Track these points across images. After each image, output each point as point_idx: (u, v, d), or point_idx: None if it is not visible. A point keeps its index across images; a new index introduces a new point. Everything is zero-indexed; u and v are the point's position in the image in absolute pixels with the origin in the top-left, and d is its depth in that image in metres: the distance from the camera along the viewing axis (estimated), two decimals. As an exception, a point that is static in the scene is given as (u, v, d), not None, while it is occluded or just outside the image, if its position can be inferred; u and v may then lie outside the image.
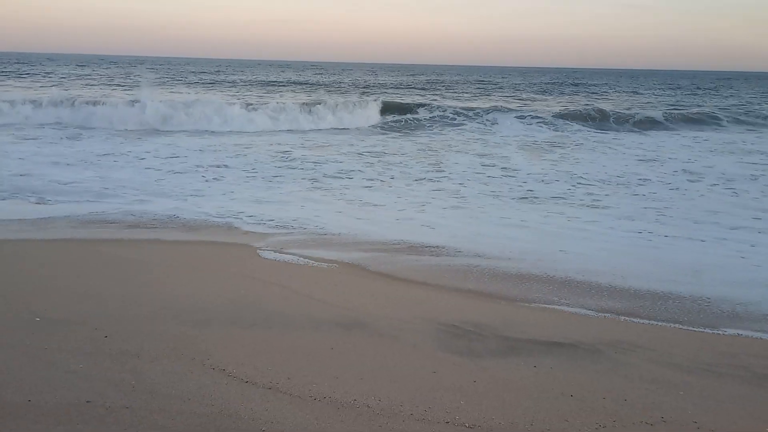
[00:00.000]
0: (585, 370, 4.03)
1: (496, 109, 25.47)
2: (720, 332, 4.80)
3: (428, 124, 22.31)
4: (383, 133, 19.96)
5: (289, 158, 13.74)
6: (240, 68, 79.36)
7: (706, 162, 14.65)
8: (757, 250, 7.11)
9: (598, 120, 24.04)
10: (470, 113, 23.99)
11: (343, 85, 45.49)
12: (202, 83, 41.77)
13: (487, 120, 22.99)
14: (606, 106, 28.74)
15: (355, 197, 9.77)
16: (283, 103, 22.75)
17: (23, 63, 65.79)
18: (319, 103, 22.67)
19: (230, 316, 4.69)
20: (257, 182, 10.89)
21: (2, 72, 45.27)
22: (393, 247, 6.83)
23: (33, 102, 20.37)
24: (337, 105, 22.57)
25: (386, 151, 15.49)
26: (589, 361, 4.17)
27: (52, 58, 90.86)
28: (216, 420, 3.27)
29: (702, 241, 7.53)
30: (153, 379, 3.66)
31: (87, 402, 3.38)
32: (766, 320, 5.05)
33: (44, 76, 42.21)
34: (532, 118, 23.78)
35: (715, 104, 33.79)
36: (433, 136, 19.81)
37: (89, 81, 39.48)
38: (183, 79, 46.49)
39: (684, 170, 13.30)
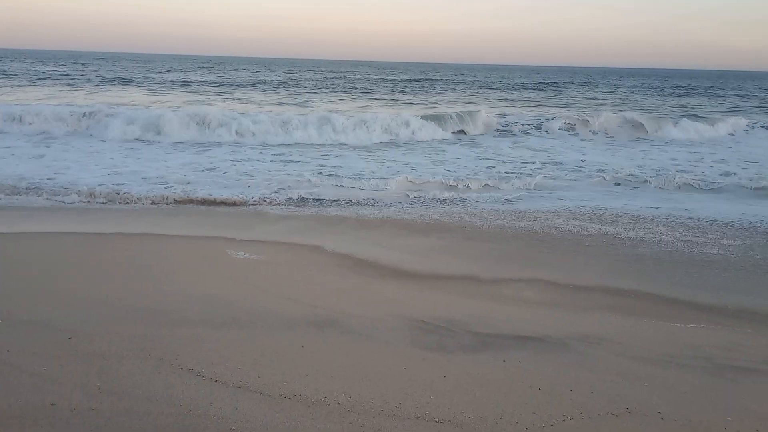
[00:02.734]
0: (553, 364, 4.09)
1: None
2: (683, 325, 4.91)
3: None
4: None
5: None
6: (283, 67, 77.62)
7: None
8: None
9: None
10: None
11: (403, 88, 43.83)
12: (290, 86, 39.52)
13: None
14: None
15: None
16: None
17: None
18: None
19: (200, 315, 4.64)
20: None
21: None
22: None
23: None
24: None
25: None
26: (557, 355, 4.23)
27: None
28: (184, 420, 3.23)
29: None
30: (119, 380, 3.61)
31: (52, 405, 3.31)
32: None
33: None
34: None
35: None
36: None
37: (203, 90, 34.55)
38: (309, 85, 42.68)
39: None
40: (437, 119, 19.01)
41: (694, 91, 48.94)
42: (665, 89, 51.50)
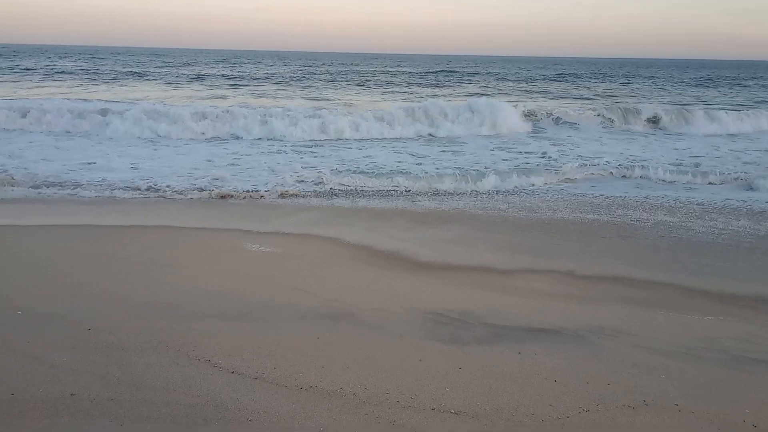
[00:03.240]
0: (568, 356, 4.07)
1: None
2: (700, 317, 4.87)
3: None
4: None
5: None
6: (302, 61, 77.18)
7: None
8: None
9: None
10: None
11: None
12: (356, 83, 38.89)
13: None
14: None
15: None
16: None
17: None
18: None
19: (216, 307, 4.68)
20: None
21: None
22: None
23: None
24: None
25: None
26: (573, 347, 4.21)
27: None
28: (202, 410, 3.27)
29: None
30: (138, 371, 3.65)
31: (71, 395, 3.36)
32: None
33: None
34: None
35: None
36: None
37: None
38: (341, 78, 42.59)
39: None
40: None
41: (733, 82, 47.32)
42: (686, 79, 50.48)
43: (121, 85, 31.40)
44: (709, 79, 53.92)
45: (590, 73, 59.00)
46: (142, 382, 3.53)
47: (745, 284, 5.65)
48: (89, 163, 11.19)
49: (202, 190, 9.27)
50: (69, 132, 14.78)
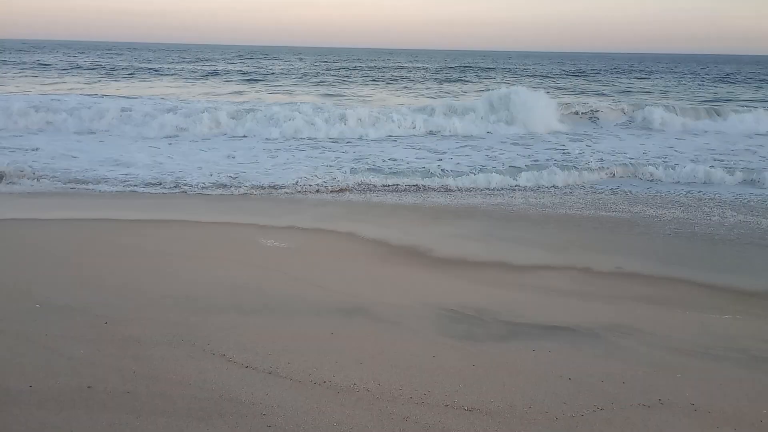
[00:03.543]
0: (583, 354, 4.05)
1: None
2: (718, 316, 4.81)
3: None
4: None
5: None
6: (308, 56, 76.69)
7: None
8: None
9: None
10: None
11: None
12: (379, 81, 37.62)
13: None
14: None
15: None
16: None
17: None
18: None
19: (231, 302, 4.71)
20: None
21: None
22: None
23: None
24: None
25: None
26: (588, 345, 4.18)
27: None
28: (216, 404, 3.29)
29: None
30: (154, 364, 3.68)
31: (88, 387, 3.40)
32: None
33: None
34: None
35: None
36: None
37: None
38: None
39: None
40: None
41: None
42: (710, 76, 49.38)
43: (141, 80, 31.62)
44: (733, 74, 52.90)
45: (611, 69, 57.96)
46: (158, 375, 3.56)
47: (764, 281, 5.57)
48: (110, 159, 11.28)
49: (222, 185, 9.32)
50: (90, 130, 14.78)
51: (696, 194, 9.52)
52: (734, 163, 12.09)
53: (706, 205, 8.72)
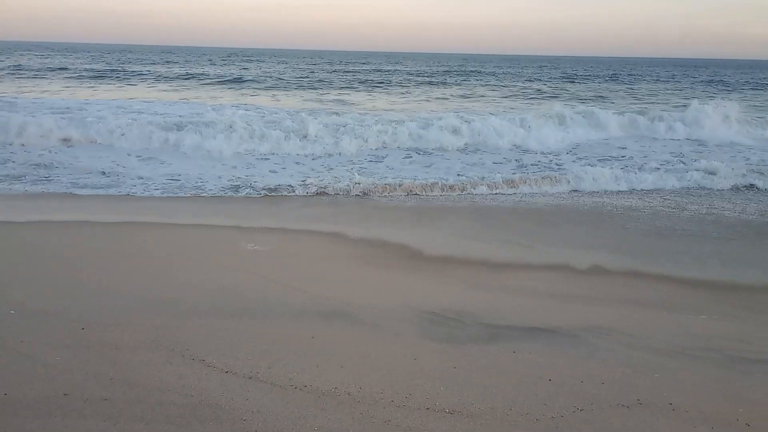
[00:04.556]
0: (563, 355, 4.08)
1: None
2: (694, 316, 4.88)
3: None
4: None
5: None
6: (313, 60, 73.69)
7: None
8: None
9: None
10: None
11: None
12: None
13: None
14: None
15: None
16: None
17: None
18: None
19: (210, 306, 4.66)
20: None
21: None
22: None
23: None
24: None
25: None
26: (568, 346, 4.22)
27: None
28: (196, 410, 3.26)
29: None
30: (132, 370, 3.64)
31: (65, 395, 3.35)
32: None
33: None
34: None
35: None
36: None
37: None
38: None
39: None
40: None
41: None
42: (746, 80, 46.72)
43: (135, 84, 30.16)
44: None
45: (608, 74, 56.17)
46: (136, 381, 3.52)
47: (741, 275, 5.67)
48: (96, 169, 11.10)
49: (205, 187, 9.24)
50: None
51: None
52: None
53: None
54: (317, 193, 9.16)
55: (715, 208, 8.88)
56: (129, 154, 11.56)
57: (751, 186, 10.60)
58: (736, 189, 10.43)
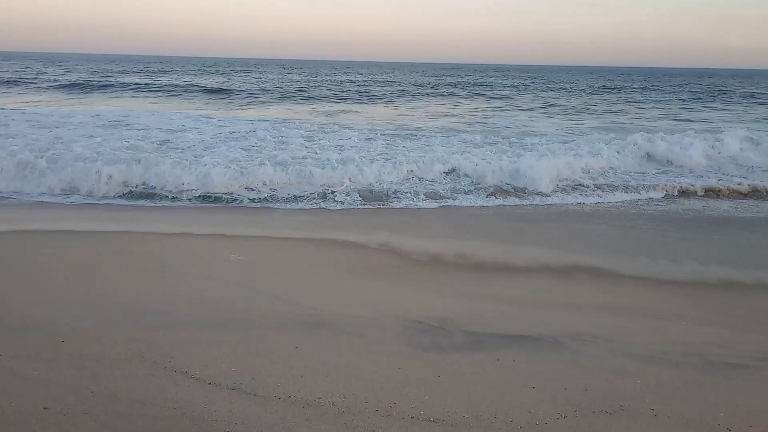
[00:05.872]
0: (547, 362, 4.10)
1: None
2: (676, 322, 4.93)
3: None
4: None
5: None
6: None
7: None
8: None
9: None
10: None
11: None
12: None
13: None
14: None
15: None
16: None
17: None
18: None
19: (193, 317, 4.63)
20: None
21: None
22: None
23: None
24: None
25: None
26: (551, 353, 4.24)
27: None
28: (178, 423, 3.22)
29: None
30: (113, 383, 3.59)
31: (44, 409, 3.30)
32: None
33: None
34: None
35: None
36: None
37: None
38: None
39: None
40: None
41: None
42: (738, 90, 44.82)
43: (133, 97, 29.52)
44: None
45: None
46: (117, 394, 3.47)
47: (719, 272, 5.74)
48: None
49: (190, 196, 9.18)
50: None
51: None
52: None
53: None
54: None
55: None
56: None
57: None
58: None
